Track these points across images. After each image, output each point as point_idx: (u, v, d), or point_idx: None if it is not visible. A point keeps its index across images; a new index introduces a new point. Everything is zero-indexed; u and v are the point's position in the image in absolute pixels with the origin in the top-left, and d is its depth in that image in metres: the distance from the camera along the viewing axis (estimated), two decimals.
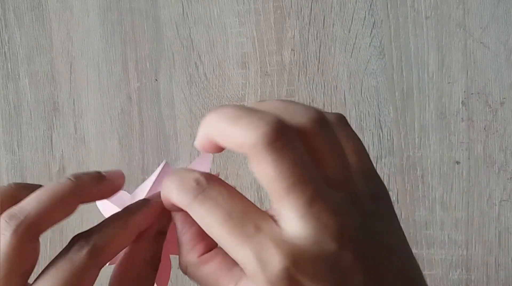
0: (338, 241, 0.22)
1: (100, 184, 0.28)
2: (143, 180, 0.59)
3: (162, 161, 0.31)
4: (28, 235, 0.25)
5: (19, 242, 0.24)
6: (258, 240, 0.22)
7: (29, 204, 0.25)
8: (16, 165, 0.62)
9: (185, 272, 0.26)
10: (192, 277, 0.26)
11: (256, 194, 0.57)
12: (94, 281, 0.25)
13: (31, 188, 0.27)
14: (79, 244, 0.25)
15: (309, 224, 0.22)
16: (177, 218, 0.27)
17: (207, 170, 0.29)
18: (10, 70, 0.62)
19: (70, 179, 0.27)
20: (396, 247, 0.24)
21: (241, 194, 0.25)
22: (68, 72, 0.61)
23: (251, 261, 0.22)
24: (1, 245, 0.24)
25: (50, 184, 0.26)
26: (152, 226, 0.28)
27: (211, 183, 0.24)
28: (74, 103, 0.61)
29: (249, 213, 0.23)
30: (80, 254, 0.25)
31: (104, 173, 0.28)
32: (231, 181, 0.57)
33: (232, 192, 0.24)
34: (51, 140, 0.61)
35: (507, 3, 0.52)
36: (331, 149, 0.24)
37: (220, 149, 0.26)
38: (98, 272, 0.26)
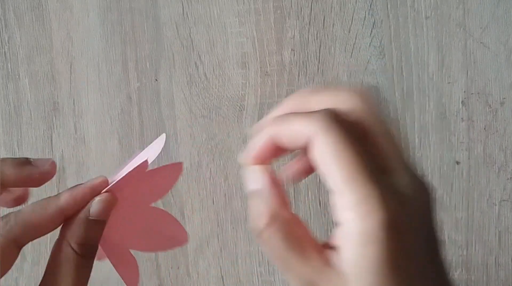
0: (431, 195, 0.25)
1: (23, 169, 0.29)
2: None
3: (162, 158, 0.31)
4: None
5: None
6: (385, 184, 0.24)
7: None
8: None
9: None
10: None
11: None
12: (13, 259, 0.27)
13: None
14: (1, 222, 0.27)
15: (415, 175, 0.25)
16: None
17: (158, 152, 0.30)
18: (10, 70, 0.62)
19: None
20: None
21: None
22: (68, 72, 0.61)
23: (375, 199, 0.23)
24: None
25: None
26: (80, 211, 0.29)
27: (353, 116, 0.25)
28: (74, 103, 0.61)
29: (376, 161, 0.25)
30: None
31: (31, 159, 0.29)
32: (231, 181, 0.57)
33: None
34: (51, 140, 0.61)
35: (507, 3, 0.52)
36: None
37: (279, 152, 0.27)
38: (18, 251, 0.27)
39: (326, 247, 0.25)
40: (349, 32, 0.55)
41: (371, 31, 0.55)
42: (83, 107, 0.61)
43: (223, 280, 0.59)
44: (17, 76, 0.62)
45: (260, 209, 0.26)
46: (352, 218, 0.23)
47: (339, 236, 0.24)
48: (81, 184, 0.29)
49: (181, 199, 0.59)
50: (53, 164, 0.30)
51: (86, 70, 0.61)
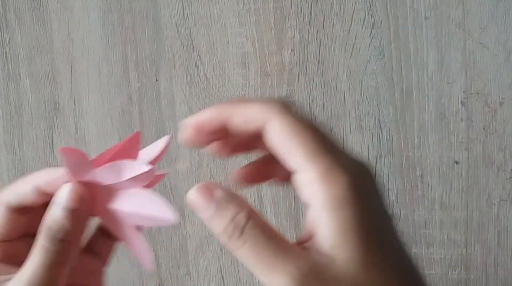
0: (373, 172, 0.27)
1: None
2: None
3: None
4: None
5: None
6: (342, 157, 0.26)
7: None
8: (17, 165, 0.62)
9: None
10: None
11: (256, 194, 0.57)
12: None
13: None
14: None
15: (357, 157, 0.27)
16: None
17: (163, 153, 0.29)
18: (11, 70, 0.62)
19: None
20: None
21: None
22: (68, 72, 0.61)
23: (337, 167, 0.24)
24: None
25: None
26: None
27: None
28: (74, 103, 0.61)
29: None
30: None
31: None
32: (231, 181, 0.57)
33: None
34: (52, 140, 0.62)
35: (506, 4, 0.53)
36: None
37: (222, 134, 0.28)
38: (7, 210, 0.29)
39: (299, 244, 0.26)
40: (349, 32, 0.55)
41: (371, 31, 0.55)
42: (84, 107, 0.61)
43: (223, 279, 0.59)
44: (18, 76, 0.62)
45: (236, 208, 0.26)
46: (321, 189, 0.24)
47: (310, 223, 0.25)
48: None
49: (181, 199, 0.59)
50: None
51: (87, 70, 0.61)
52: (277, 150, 0.26)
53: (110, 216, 0.29)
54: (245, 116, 0.26)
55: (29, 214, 0.30)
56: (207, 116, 0.27)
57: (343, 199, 0.24)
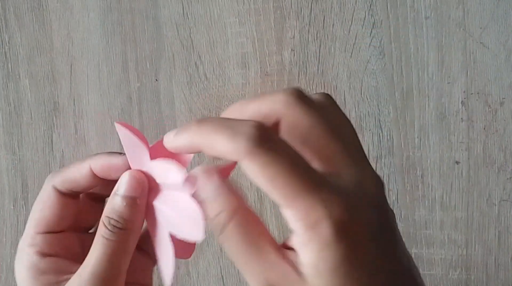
0: (379, 184, 0.26)
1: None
2: None
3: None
4: None
5: None
6: (327, 189, 0.24)
7: None
8: (16, 165, 0.62)
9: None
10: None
11: (256, 194, 0.57)
12: (51, 199, 0.30)
13: None
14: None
15: (360, 168, 0.25)
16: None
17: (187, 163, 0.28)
18: (10, 70, 0.62)
19: None
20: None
21: None
22: (68, 72, 0.61)
23: (319, 208, 0.23)
24: None
25: None
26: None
27: (274, 132, 0.25)
28: (74, 103, 0.61)
29: (311, 167, 0.24)
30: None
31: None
32: (231, 181, 0.57)
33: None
34: (52, 140, 0.62)
35: (506, 4, 0.53)
36: (318, 134, 0.26)
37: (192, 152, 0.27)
38: (57, 194, 0.30)
39: (284, 247, 0.25)
40: (349, 32, 0.55)
41: (371, 31, 0.55)
42: (84, 107, 0.61)
43: (223, 279, 0.59)
44: (18, 76, 0.62)
45: (220, 206, 0.25)
46: (303, 230, 0.23)
47: (295, 241, 0.24)
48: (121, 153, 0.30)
49: None
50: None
51: (87, 70, 0.61)
52: (257, 185, 0.25)
53: (151, 214, 0.29)
54: (215, 152, 0.25)
55: (76, 203, 0.30)
56: (183, 143, 0.26)
57: (324, 243, 0.23)
